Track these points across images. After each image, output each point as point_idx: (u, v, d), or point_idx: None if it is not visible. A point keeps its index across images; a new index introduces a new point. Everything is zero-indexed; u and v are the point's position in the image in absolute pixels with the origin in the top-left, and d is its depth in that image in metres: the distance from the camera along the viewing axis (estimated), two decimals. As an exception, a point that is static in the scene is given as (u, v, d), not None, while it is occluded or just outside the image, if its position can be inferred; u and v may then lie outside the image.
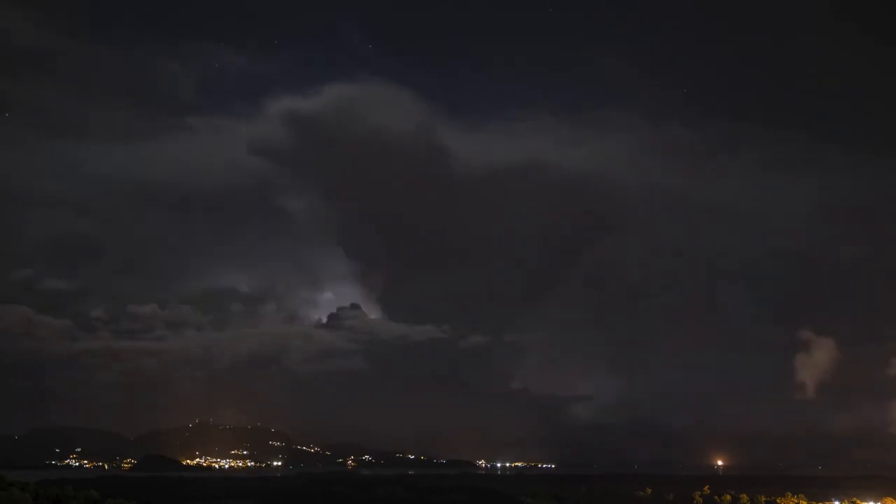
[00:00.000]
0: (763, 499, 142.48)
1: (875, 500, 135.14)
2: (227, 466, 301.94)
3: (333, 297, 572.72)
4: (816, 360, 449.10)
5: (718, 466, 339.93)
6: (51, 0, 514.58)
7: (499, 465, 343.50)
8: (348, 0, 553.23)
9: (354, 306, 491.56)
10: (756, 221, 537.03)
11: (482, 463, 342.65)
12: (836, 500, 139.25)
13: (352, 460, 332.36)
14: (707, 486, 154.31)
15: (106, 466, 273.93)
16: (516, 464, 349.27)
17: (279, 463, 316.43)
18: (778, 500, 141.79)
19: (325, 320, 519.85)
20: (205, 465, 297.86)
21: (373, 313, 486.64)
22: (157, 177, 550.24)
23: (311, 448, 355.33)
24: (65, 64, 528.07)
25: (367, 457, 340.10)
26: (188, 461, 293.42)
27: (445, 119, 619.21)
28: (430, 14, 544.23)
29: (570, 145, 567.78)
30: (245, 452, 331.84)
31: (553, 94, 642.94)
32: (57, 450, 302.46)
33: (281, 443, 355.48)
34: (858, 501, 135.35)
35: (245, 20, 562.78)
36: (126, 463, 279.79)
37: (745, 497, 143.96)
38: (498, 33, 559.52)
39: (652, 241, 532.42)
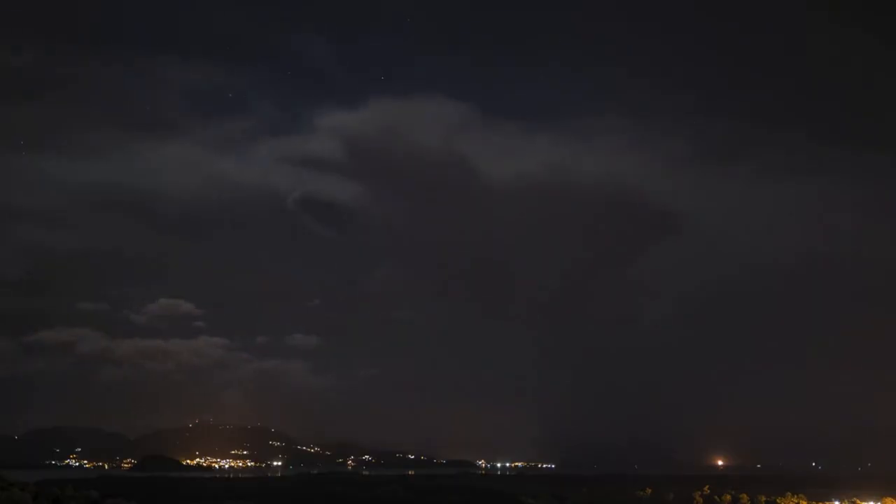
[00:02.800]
0: (763, 499, 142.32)
1: (875, 500, 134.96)
2: (227, 466, 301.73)
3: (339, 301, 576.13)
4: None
5: (718, 466, 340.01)
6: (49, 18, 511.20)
7: (499, 465, 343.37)
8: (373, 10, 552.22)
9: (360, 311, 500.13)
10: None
11: (482, 463, 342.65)
12: (836, 500, 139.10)
13: (352, 460, 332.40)
14: (707, 486, 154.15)
15: (106, 466, 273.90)
16: (516, 464, 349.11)
17: (279, 463, 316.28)
18: (778, 500, 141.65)
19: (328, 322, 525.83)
20: (205, 465, 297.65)
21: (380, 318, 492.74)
22: (161, 187, 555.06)
23: (311, 448, 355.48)
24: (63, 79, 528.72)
25: (367, 457, 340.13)
26: (188, 461, 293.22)
27: (473, 127, 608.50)
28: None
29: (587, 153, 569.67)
30: (245, 452, 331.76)
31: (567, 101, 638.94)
32: (57, 450, 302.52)
33: (281, 443, 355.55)
34: (858, 501, 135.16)
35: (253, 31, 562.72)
36: (126, 463, 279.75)
37: (745, 497, 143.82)
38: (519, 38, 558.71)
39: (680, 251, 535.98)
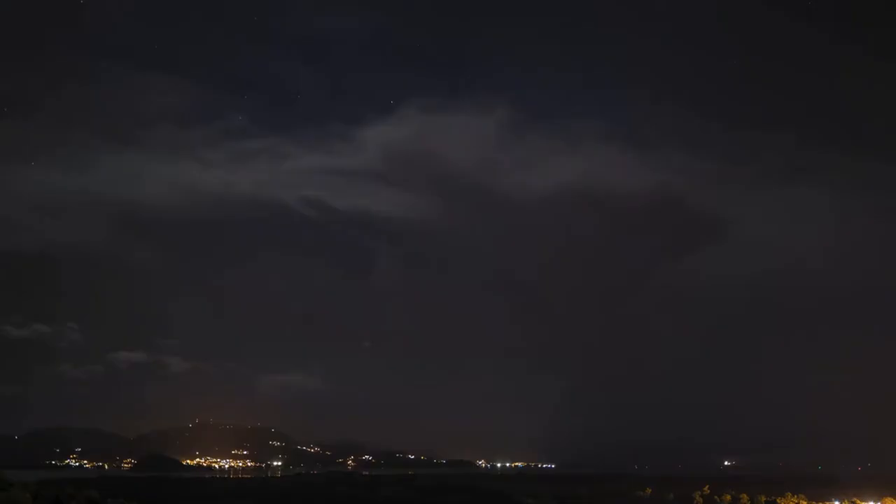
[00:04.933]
0: (763, 499, 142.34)
1: (875, 500, 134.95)
2: (227, 466, 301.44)
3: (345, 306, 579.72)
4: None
5: (725, 467, 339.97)
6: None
7: (499, 465, 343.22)
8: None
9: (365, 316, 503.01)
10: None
11: (482, 463, 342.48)
12: (836, 500, 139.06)
13: (352, 460, 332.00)
14: (707, 486, 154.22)
15: (106, 466, 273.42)
16: (516, 464, 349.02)
17: (279, 463, 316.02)
18: (778, 500, 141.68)
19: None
20: (205, 465, 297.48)
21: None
22: (170, 200, 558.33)
23: (311, 448, 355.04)
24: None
25: (367, 457, 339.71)
26: (188, 461, 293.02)
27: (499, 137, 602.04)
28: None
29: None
30: (245, 452, 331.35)
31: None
32: (57, 450, 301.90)
33: (281, 443, 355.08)
34: (858, 501, 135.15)
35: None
36: (126, 463, 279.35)
37: (745, 497, 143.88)
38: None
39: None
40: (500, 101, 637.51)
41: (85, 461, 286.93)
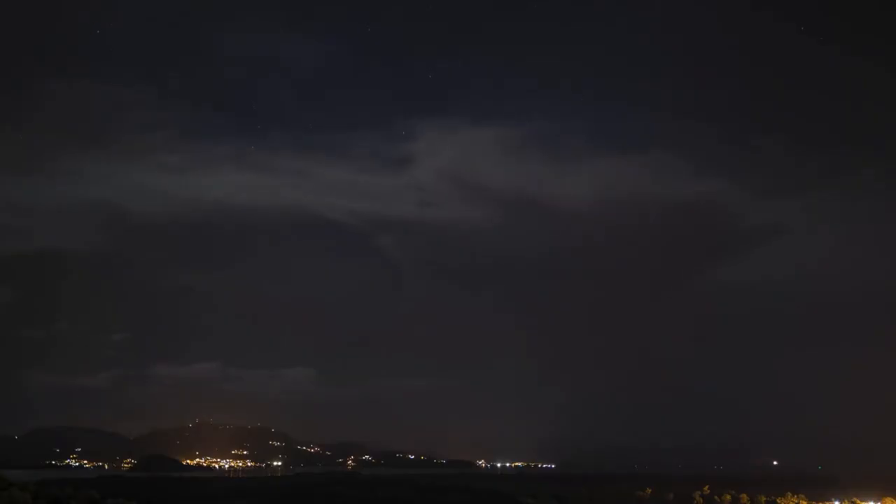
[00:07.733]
0: (763, 499, 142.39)
1: (875, 500, 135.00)
2: (227, 466, 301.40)
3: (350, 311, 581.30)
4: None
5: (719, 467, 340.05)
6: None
7: (499, 465, 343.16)
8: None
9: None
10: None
11: (482, 463, 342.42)
12: (836, 500, 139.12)
13: (352, 460, 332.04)
14: (707, 486, 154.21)
15: (106, 466, 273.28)
16: (516, 464, 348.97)
17: (279, 463, 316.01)
18: (778, 500, 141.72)
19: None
20: (205, 465, 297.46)
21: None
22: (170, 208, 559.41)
23: (311, 448, 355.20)
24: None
25: (367, 457, 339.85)
26: (188, 461, 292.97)
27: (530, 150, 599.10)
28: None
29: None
30: (245, 452, 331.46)
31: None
32: (57, 450, 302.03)
33: (281, 443, 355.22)
34: (858, 501, 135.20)
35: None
36: (126, 463, 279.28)
37: (745, 497, 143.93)
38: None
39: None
40: (523, 113, 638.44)
41: (85, 461, 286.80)
